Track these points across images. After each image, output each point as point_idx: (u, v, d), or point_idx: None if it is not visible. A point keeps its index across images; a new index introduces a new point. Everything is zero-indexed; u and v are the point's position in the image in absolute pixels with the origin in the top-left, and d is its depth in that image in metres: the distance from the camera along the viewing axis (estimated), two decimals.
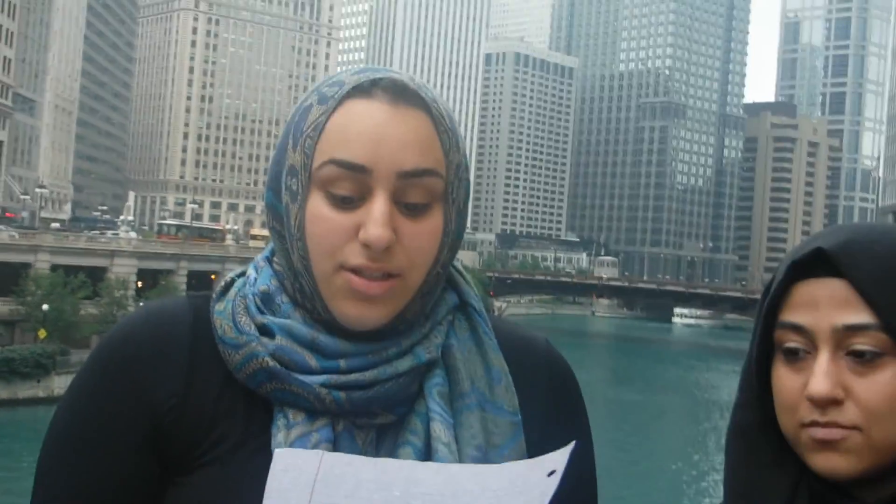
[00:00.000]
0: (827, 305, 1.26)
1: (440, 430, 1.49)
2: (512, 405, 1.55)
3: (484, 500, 1.22)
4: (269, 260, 1.61)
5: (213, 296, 1.59)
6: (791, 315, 1.32)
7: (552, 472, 1.24)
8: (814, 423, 1.39)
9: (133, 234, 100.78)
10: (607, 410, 70.72)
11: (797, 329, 1.30)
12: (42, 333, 67.80)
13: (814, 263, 1.35)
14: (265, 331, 1.51)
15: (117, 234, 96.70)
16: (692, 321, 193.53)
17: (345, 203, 1.44)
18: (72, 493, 1.49)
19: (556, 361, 1.70)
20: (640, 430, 67.99)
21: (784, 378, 1.40)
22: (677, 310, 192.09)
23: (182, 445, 1.49)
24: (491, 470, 1.26)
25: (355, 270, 1.44)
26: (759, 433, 1.51)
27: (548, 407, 1.62)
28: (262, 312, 1.54)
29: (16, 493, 39.38)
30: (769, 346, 1.38)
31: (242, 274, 1.63)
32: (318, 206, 1.45)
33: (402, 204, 1.45)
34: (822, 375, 1.32)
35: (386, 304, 1.47)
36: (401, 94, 1.46)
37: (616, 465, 50.24)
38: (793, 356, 1.33)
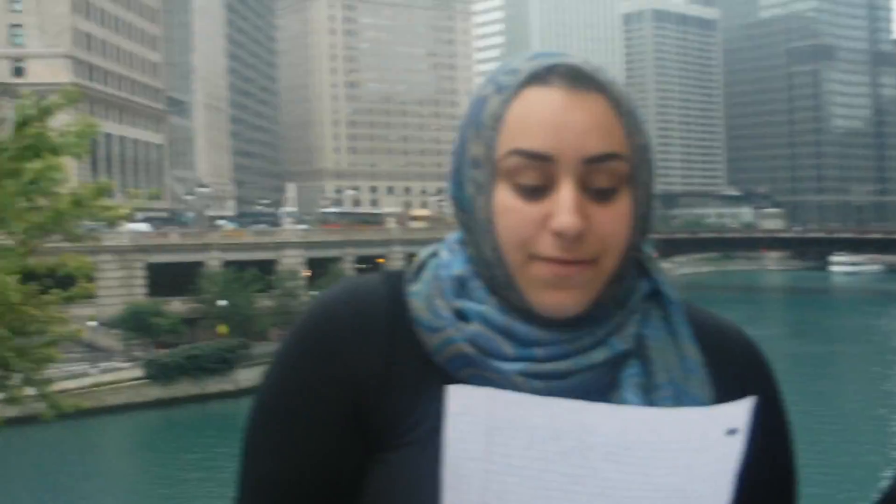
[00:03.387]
0: None
1: None
2: (706, 397, 1.52)
3: (660, 455, 1.21)
4: (462, 243, 1.60)
5: (408, 276, 1.61)
6: None
7: (733, 431, 1.21)
8: None
9: (302, 226, 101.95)
10: (791, 364, 69.03)
11: None
12: (223, 329, 68.99)
13: None
14: (461, 315, 1.52)
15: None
16: (850, 268, 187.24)
17: (532, 193, 1.44)
18: (280, 468, 1.53)
19: (750, 349, 1.68)
20: (826, 381, 66.23)
21: None
22: (834, 258, 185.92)
23: (384, 423, 1.51)
24: (664, 415, 1.24)
25: (548, 260, 1.44)
26: None
27: (741, 396, 1.51)
28: (457, 297, 1.54)
29: (215, 481, 39.97)
30: None
31: (434, 254, 1.64)
32: (505, 197, 1.45)
33: (590, 190, 1.44)
34: None
35: (583, 290, 1.46)
36: (577, 78, 1.46)
37: (809, 419, 48.80)
38: None
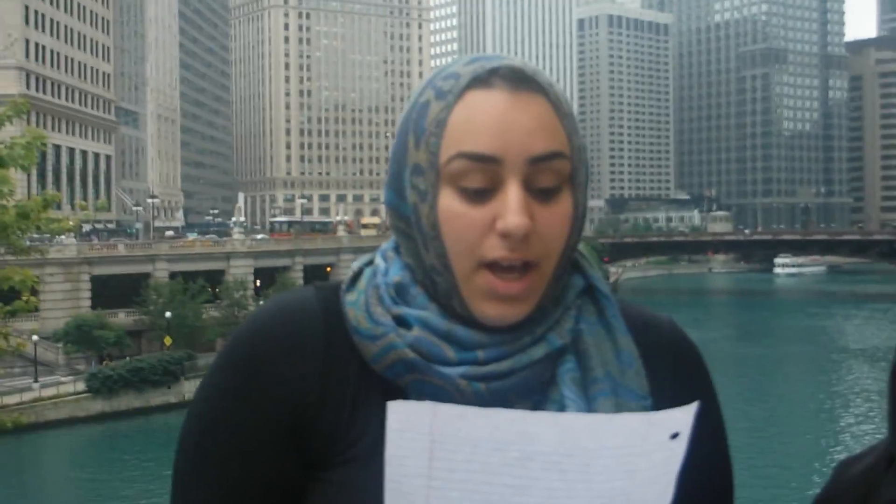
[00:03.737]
0: None
1: None
2: (643, 389, 1.53)
3: (602, 461, 1.21)
4: (397, 251, 1.59)
5: (343, 286, 1.58)
6: None
7: (675, 435, 1.21)
8: None
9: (260, 236, 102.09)
10: (737, 367, 69.66)
11: None
12: (168, 340, 68.98)
13: None
14: (401, 322, 1.50)
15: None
16: (794, 270, 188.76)
17: (477, 196, 1.43)
18: (214, 492, 1.50)
19: (682, 341, 1.68)
20: (771, 382, 66.96)
21: None
22: (778, 260, 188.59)
23: (322, 440, 1.49)
24: (605, 420, 1.24)
25: (494, 264, 1.43)
26: None
27: (675, 388, 1.59)
28: (396, 304, 1.52)
29: (156, 495, 40.07)
30: None
31: (369, 263, 1.62)
32: (450, 203, 1.44)
33: (534, 190, 1.44)
34: None
35: (526, 301, 1.47)
36: (519, 80, 1.46)
37: (753, 419, 49.38)
38: None
